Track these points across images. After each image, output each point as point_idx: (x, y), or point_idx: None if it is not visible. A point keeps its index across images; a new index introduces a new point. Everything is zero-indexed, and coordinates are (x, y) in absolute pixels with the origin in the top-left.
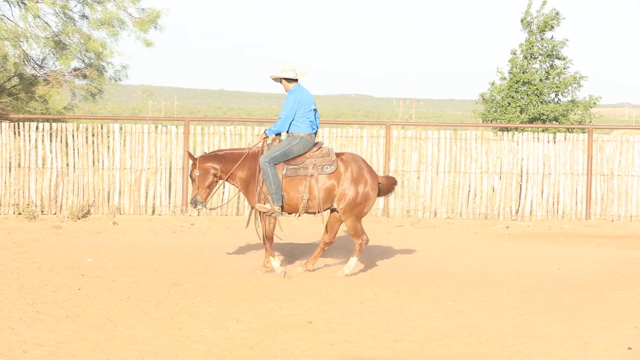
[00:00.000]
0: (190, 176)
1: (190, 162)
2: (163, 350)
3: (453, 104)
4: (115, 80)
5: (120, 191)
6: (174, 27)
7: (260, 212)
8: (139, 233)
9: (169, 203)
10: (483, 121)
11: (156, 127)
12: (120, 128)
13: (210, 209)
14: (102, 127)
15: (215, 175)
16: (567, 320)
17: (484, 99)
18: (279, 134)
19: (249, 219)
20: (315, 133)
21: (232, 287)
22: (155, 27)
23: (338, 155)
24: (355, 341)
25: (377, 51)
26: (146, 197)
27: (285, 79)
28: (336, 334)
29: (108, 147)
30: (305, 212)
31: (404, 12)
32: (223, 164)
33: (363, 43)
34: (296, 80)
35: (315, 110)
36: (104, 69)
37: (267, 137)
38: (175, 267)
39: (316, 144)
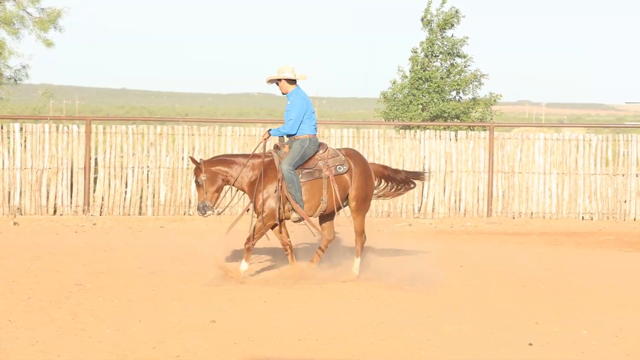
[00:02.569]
0: (196, 182)
1: (194, 166)
2: (65, 350)
3: (355, 102)
4: (15, 81)
5: (21, 191)
6: (75, 25)
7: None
8: (40, 233)
9: (71, 203)
10: (385, 119)
11: (57, 127)
12: (21, 128)
13: (219, 213)
14: (1, 127)
15: (222, 180)
16: (469, 316)
17: (385, 97)
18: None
19: (234, 223)
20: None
21: (134, 286)
22: (54, 27)
23: (343, 153)
24: (258, 340)
25: (278, 49)
26: (47, 197)
27: (286, 80)
28: (240, 333)
29: (8, 147)
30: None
31: (306, 8)
32: (230, 168)
33: (264, 40)
34: (295, 81)
35: (313, 112)
36: (3, 68)
37: (269, 137)
38: (77, 268)
39: (320, 144)
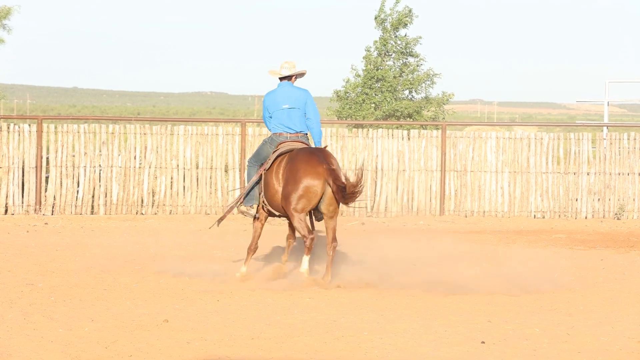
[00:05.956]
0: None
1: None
2: (17, 351)
3: None
4: None
5: None
6: (25, 23)
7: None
8: None
9: (22, 202)
10: (338, 118)
11: (8, 126)
12: None
13: None
14: None
15: None
16: (422, 315)
17: (338, 96)
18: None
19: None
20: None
21: (87, 286)
22: (3, 27)
23: None
24: (211, 339)
25: (231, 48)
26: None
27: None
28: (192, 332)
29: None
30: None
31: (260, 6)
32: None
33: (217, 39)
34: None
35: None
36: None
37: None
38: (28, 267)
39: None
